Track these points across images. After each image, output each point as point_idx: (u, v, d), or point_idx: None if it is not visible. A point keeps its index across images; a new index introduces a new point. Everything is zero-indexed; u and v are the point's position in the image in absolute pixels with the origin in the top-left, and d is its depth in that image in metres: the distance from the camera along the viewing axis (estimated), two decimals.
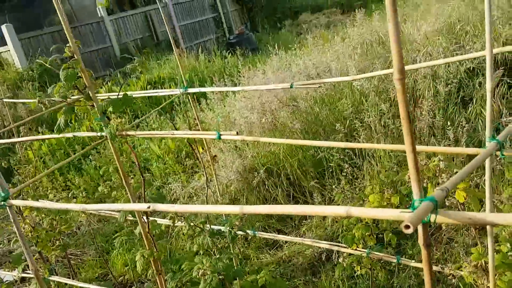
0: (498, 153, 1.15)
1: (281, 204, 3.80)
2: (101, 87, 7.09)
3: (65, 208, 1.33)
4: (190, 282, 2.01)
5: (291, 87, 1.98)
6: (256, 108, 4.07)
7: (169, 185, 4.66)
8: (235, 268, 1.79)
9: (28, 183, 1.50)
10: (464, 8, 4.03)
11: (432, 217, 0.73)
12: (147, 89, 7.58)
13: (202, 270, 1.61)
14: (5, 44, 9.90)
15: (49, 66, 1.88)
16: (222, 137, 1.60)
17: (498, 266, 1.28)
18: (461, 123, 3.00)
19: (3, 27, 9.61)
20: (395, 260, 2.09)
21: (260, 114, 4.03)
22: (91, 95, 1.76)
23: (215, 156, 4.35)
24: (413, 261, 2.02)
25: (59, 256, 3.59)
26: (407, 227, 0.64)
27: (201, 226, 1.84)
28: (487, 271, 1.28)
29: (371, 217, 0.76)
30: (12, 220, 1.44)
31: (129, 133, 1.77)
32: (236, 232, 1.84)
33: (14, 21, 10.36)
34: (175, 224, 2.25)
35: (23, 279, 3.71)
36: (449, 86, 3.29)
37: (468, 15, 3.89)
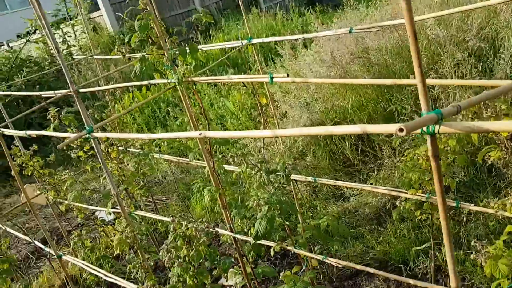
0: None
1: (349, 158, 3.84)
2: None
3: (134, 137, 1.56)
4: (253, 217, 2.21)
5: (350, 31, 2.00)
6: (326, 62, 4.06)
7: (242, 140, 4.90)
8: (289, 204, 1.93)
9: (111, 118, 1.75)
10: None
11: (436, 128, 0.78)
12: (226, 51, 7.82)
13: (257, 201, 1.78)
14: (98, 9, 10.73)
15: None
16: (274, 79, 1.70)
17: None
18: None
19: None
20: (454, 204, 2.07)
21: (330, 68, 4.02)
22: (162, 44, 1.95)
23: (285, 112, 4.47)
24: (472, 204, 2.00)
25: (146, 200, 4.06)
26: (401, 130, 0.71)
27: (259, 166, 2.00)
28: None
29: (381, 132, 0.84)
30: (96, 151, 1.71)
31: (194, 79, 1.95)
32: (290, 170, 1.96)
33: None
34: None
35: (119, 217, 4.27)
36: None
37: None
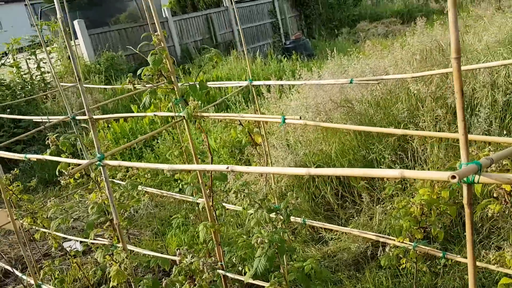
0: None
1: (330, 202, 3.93)
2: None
3: (155, 167, 1.56)
4: (244, 255, 2.20)
5: (350, 82, 2.12)
6: (311, 108, 4.22)
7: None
8: (289, 244, 1.95)
9: (114, 150, 1.75)
10: None
11: (476, 177, 0.86)
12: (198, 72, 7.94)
13: (261, 239, 1.80)
14: (76, 38, 10.71)
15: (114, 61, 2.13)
16: (286, 121, 1.78)
17: None
18: None
19: (75, 23, 10.41)
20: (440, 254, 2.16)
21: (315, 114, 4.17)
22: (172, 79, 2.00)
23: (272, 145, 4.55)
24: (459, 256, 2.09)
25: (127, 233, 3.93)
26: (453, 177, 0.78)
27: (260, 203, 2.03)
28: None
29: (425, 178, 0.91)
30: (104, 180, 1.69)
31: (203, 114, 2.00)
32: (291, 210, 2.00)
33: (83, 17, 11.12)
34: (232, 206, 2.45)
35: (89, 249, 4.09)
36: (507, 95, 3.28)
37: None
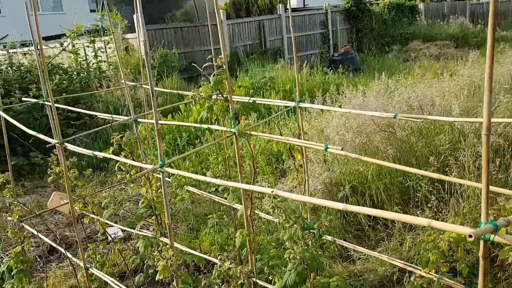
0: None
1: (361, 222, 4.02)
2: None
3: (204, 179, 1.76)
4: (274, 263, 2.37)
5: (395, 117, 2.24)
6: (352, 128, 4.33)
7: (258, 183, 5.09)
8: (320, 262, 2.10)
9: (179, 157, 1.96)
10: None
11: (492, 236, 0.98)
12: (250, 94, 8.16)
13: (293, 254, 1.96)
14: (134, 31, 11.24)
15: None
16: (328, 150, 1.93)
17: None
18: None
19: (134, 17, 10.92)
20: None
21: (356, 134, 4.28)
22: (229, 98, 2.20)
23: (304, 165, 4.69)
24: None
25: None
26: (470, 236, 0.92)
27: (294, 219, 2.19)
28: None
29: (449, 229, 1.03)
30: (162, 184, 1.91)
31: (252, 132, 2.18)
32: (324, 231, 2.15)
33: (143, 11, 11.60)
34: (270, 217, 2.63)
35: (129, 237, 4.38)
36: None
37: None
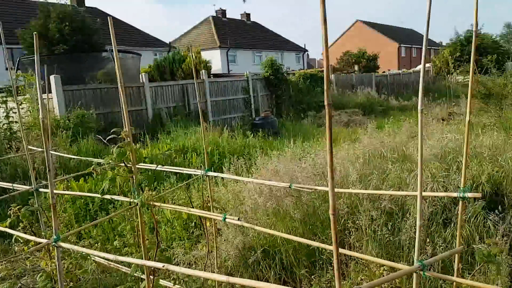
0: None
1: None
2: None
3: (105, 257, 1.78)
4: None
5: (290, 187, 2.47)
6: (264, 193, 4.55)
7: (173, 249, 5.03)
8: None
9: (75, 231, 1.96)
10: (458, 142, 4.59)
11: None
12: (170, 156, 8.22)
13: None
14: (50, 92, 10.94)
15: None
16: (226, 219, 2.06)
17: None
18: (438, 241, 3.39)
19: (52, 78, 10.71)
20: None
21: (267, 198, 4.49)
22: (133, 170, 2.29)
23: (220, 229, 4.77)
24: None
25: None
26: None
27: None
28: None
29: None
30: (56, 260, 1.89)
31: (156, 203, 2.27)
32: None
33: (61, 72, 11.39)
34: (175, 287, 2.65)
35: None
36: (433, 207, 3.73)
37: (461, 147, 4.43)
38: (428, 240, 3.45)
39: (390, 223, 3.92)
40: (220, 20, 38.51)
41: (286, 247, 4.21)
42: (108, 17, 2.07)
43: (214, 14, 39.51)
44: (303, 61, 43.30)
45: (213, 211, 3.19)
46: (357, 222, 3.91)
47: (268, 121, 13.91)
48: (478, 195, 1.81)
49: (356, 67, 28.88)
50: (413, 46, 55.34)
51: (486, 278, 3.09)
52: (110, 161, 2.31)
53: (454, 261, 1.90)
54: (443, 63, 25.41)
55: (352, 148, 5.63)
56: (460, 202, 1.87)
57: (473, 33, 1.71)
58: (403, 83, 26.17)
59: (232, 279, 1.41)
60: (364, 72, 27.37)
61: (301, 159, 5.54)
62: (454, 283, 1.69)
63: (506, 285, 2.98)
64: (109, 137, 2.50)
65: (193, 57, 16.21)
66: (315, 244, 1.94)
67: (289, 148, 7.28)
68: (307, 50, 44.21)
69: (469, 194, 1.80)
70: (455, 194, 1.87)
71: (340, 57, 34.18)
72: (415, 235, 3.67)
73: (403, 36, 56.50)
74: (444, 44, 36.34)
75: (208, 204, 3.38)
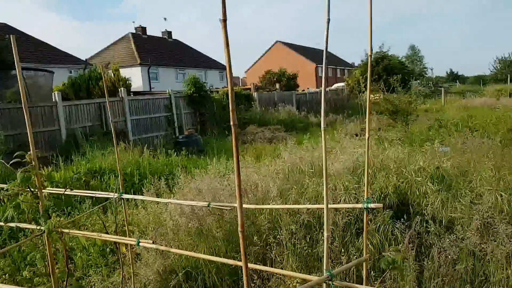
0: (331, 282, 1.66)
1: None
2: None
3: None
4: None
5: (208, 206, 2.46)
6: (186, 213, 4.48)
7: (90, 276, 4.73)
8: None
9: None
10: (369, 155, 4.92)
11: None
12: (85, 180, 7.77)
13: None
14: None
15: None
16: (140, 244, 2.00)
17: None
18: (352, 251, 3.58)
19: None
20: None
21: (189, 219, 4.43)
22: (39, 195, 2.14)
23: (139, 254, 4.58)
24: None
25: None
26: None
27: None
28: None
29: None
30: None
31: (64, 230, 2.13)
32: None
33: None
34: None
35: None
36: (347, 218, 3.94)
37: (372, 161, 4.76)
38: (343, 250, 3.63)
39: (309, 236, 4.06)
40: (140, 37, 37.70)
41: (209, 267, 4.17)
42: (11, 36, 1.97)
43: (134, 31, 38.61)
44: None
45: (129, 235, 3.07)
46: (278, 236, 4.00)
47: (192, 139, 13.78)
48: (380, 205, 1.96)
49: (277, 86, 29.82)
50: (329, 66, 58.68)
51: (397, 284, 3.32)
52: (14, 187, 2.14)
53: (363, 271, 2.02)
54: (355, 83, 27.23)
55: (273, 164, 5.78)
56: (365, 212, 2.00)
57: (368, 58, 1.87)
58: (321, 101, 27.51)
59: None
60: (285, 90, 28.36)
61: (224, 176, 5.55)
62: None
63: None
64: (12, 161, 2.31)
65: (110, 74, 15.64)
66: (230, 262, 1.94)
67: (213, 166, 7.28)
68: None
69: (372, 205, 1.94)
70: (359, 206, 2.00)
71: (262, 76, 35.14)
72: (331, 246, 3.85)
73: (320, 57, 59.72)
74: (356, 65, 39.00)
75: (124, 228, 3.25)
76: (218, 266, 4.26)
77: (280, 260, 3.99)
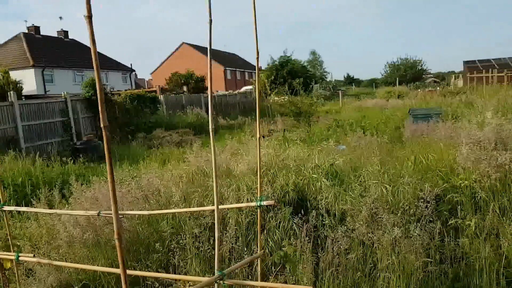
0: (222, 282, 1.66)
1: None
2: None
3: None
4: None
5: (98, 214, 2.33)
6: (81, 223, 4.19)
7: None
8: None
9: None
10: (271, 156, 5.08)
11: None
12: None
13: None
14: None
15: None
16: (20, 258, 1.81)
17: None
18: (255, 249, 3.65)
19: None
20: None
21: (84, 230, 4.15)
22: None
23: (31, 269, 4.18)
24: None
25: None
26: None
27: None
28: None
29: None
30: None
31: None
32: None
33: None
34: None
35: None
36: (250, 216, 4.02)
37: (274, 161, 4.92)
38: (246, 248, 3.68)
39: (213, 238, 4.05)
40: (33, 37, 34.60)
41: (108, 278, 3.95)
42: None
43: (26, 31, 35.33)
44: (131, 80, 42.08)
45: (16, 249, 2.78)
46: (181, 241, 3.92)
47: (91, 145, 13.01)
48: (271, 202, 2.02)
49: (185, 88, 29.44)
50: (237, 69, 59.46)
51: (295, 277, 3.45)
52: None
53: (258, 267, 2.06)
54: (262, 86, 27.97)
55: (177, 168, 5.68)
56: (258, 210, 2.04)
57: (256, 66, 1.91)
58: (230, 104, 27.80)
59: None
60: (193, 92, 28.12)
61: (124, 183, 5.31)
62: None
63: (311, 280, 3.37)
64: None
65: None
66: (110, 270, 1.84)
67: (115, 171, 6.90)
68: (134, 70, 43.17)
69: (265, 202, 1.99)
70: (253, 204, 2.04)
71: (169, 78, 34.41)
72: (234, 245, 3.88)
73: (228, 60, 60.31)
74: (263, 68, 40.20)
75: (8, 243, 2.94)
76: (118, 277, 4.05)
77: (184, 265, 3.92)
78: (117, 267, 4.07)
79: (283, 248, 3.50)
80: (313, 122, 15.47)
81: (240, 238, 3.91)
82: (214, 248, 4.09)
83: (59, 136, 14.16)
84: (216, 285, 1.63)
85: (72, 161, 10.09)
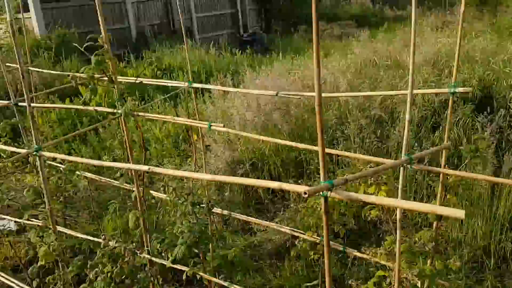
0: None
1: (261, 196, 4.23)
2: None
3: (85, 162, 1.75)
4: (171, 243, 2.44)
5: (276, 95, 2.40)
6: (252, 108, 4.49)
7: (164, 165, 5.08)
8: (208, 234, 2.21)
9: (51, 143, 1.91)
10: (451, 46, 4.45)
11: (329, 193, 1.14)
12: (157, 75, 8.00)
13: (181, 229, 2.04)
14: (28, 11, 10.32)
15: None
16: (212, 127, 2.01)
17: (403, 252, 1.70)
18: (426, 145, 3.43)
19: None
20: (341, 249, 2.49)
21: (255, 113, 4.45)
22: (114, 79, 2.18)
23: (209, 145, 4.77)
24: (356, 250, 2.41)
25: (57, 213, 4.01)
26: (305, 193, 1.06)
27: (185, 196, 2.26)
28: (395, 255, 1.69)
29: (293, 190, 1.17)
30: (40, 171, 1.86)
31: (140, 113, 2.20)
32: (213, 204, 2.26)
33: None
34: (165, 196, 2.68)
35: (23, 229, 4.14)
36: (424, 112, 3.72)
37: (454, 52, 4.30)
38: (416, 144, 3.48)
39: (379, 131, 3.93)
40: None
41: (274, 159, 4.26)
42: None
43: None
44: None
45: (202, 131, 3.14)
46: (345, 131, 3.91)
47: (257, 37, 13.44)
48: (469, 89, 1.76)
49: None
50: None
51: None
52: (88, 71, 2.19)
53: (441, 158, 1.90)
54: None
55: (344, 59, 5.48)
56: (450, 98, 1.81)
57: None
58: None
59: (218, 177, 1.39)
60: None
61: (290, 72, 5.40)
62: (441, 176, 1.70)
63: (490, 184, 3.07)
64: (86, 44, 2.34)
65: None
66: (301, 146, 1.90)
67: (278, 63, 7.09)
68: None
69: (460, 89, 1.75)
70: (445, 90, 1.81)
71: None
72: (403, 139, 3.70)
73: None
74: None
75: (195, 117, 3.32)
76: (283, 159, 4.33)
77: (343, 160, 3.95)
78: (282, 147, 4.34)
79: (461, 147, 3.19)
80: (500, 13, 12.93)
81: (410, 133, 3.69)
82: (380, 141, 4.00)
83: (228, 29, 14.94)
84: (401, 168, 1.55)
85: (240, 52, 10.69)
